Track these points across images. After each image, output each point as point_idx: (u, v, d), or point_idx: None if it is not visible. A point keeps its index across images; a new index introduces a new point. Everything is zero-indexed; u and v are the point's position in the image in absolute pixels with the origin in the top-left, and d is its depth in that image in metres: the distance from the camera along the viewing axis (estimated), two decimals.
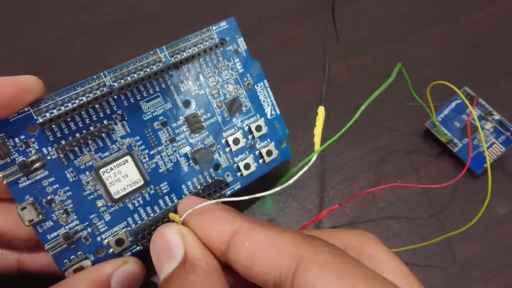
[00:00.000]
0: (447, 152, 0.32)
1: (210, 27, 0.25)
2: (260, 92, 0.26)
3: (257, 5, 0.39)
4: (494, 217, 0.29)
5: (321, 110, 0.21)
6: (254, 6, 0.39)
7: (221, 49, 0.25)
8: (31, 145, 0.20)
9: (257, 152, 0.26)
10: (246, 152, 0.26)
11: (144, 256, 0.23)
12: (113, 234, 0.22)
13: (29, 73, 0.21)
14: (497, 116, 0.30)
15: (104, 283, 0.21)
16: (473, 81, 0.30)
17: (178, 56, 0.23)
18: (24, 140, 0.20)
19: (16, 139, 0.20)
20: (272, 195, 0.27)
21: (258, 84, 0.26)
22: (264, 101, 0.27)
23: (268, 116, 0.27)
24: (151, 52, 0.23)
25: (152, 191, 0.23)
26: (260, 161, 0.26)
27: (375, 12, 0.40)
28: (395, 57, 0.24)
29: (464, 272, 0.27)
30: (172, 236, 0.19)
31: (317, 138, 0.21)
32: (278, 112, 0.27)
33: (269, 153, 0.26)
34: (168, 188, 0.24)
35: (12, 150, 0.20)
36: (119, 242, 0.22)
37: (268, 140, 0.27)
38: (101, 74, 0.22)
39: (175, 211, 0.23)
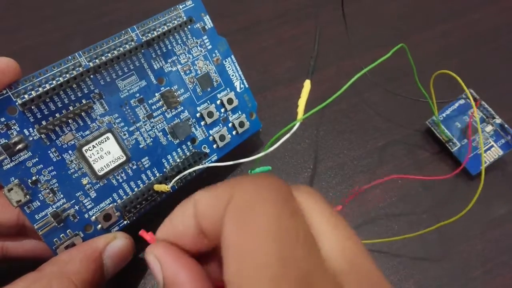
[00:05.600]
0: (447, 152, 0.32)
1: (177, 6, 0.26)
2: (228, 67, 0.28)
3: (256, 6, 0.39)
4: (494, 217, 0.29)
5: (306, 83, 0.23)
6: (253, 6, 0.39)
7: (189, 26, 0.26)
8: (12, 127, 0.21)
9: (230, 124, 0.28)
10: (220, 124, 0.27)
11: (132, 231, 0.24)
12: (100, 210, 0.23)
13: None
14: (498, 120, 0.30)
15: (97, 258, 0.22)
16: (473, 81, 0.30)
17: (149, 34, 0.24)
18: (5, 123, 0.20)
19: None
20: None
21: (226, 60, 0.28)
22: (233, 75, 0.28)
23: (238, 89, 0.28)
24: (123, 32, 0.24)
25: (134, 167, 0.24)
26: (234, 132, 0.28)
27: (374, 12, 0.40)
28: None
29: (464, 272, 0.27)
30: (151, 261, 0.17)
31: (301, 108, 0.22)
32: (247, 86, 0.29)
33: (241, 124, 0.28)
34: (150, 163, 0.25)
35: None
36: (107, 217, 0.23)
37: (240, 112, 0.28)
38: (76, 54, 0.22)
39: (160, 183, 0.24)
